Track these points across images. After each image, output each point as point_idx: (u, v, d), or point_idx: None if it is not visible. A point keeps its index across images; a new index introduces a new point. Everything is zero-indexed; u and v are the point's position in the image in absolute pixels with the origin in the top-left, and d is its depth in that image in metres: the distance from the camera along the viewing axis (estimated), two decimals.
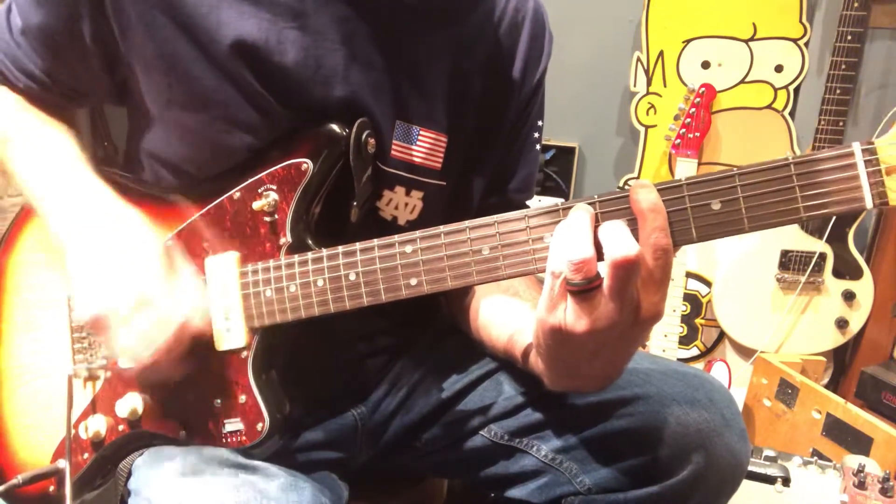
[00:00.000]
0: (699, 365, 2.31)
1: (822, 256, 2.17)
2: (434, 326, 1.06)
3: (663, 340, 2.13)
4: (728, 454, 0.82)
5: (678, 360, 2.20)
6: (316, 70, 0.81)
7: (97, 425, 0.82)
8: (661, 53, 2.30)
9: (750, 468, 1.39)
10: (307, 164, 0.79)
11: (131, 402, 0.81)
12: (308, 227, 0.79)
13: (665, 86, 2.31)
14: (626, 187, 0.63)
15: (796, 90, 2.25)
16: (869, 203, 0.58)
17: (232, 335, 0.78)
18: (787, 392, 1.95)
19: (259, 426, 0.77)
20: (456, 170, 0.93)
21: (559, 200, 0.65)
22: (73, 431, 0.83)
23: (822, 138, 2.09)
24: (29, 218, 0.91)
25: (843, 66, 2.06)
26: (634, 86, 2.34)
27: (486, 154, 0.97)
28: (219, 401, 0.79)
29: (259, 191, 0.80)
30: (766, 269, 2.21)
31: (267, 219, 0.79)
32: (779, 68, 2.23)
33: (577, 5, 2.38)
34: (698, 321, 2.37)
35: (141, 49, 0.80)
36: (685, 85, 2.26)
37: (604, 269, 0.60)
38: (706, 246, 2.32)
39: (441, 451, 1.00)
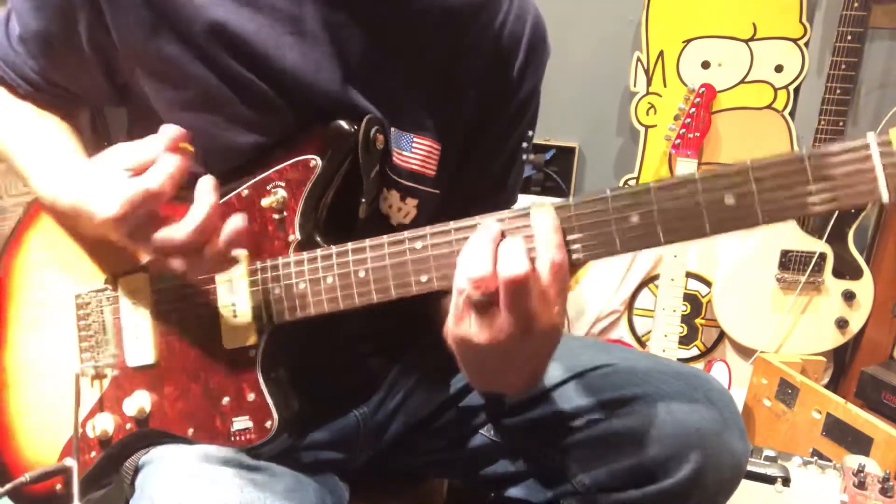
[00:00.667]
0: (699, 365, 2.31)
1: (822, 256, 2.17)
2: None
3: (663, 340, 2.13)
4: (727, 454, 0.82)
5: (678, 360, 2.21)
6: (316, 74, 0.81)
7: (105, 424, 0.82)
8: (661, 53, 2.30)
9: (750, 468, 1.40)
10: (315, 161, 0.79)
11: (139, 401, 0.81)
12: (317, 224, 0.79)
13: (665, 86, 2.32)
14: (627, 187, 0.64)
15: (796, 90, 2.26)
16: (885, 196, 0.57)
17: (240, 333, 0.78)
18: (787, 392, 1.95)
19: (268, 424, 0.77)
20: (449, 178, 0.93)
21: (559, 201, 0.66)
22: (80, 430, 0.82)
23: (821, 138, 2.09)
24: (35, 217, 0.91)
25: (843, 66, 2.06)
26: (634, 86, 2.35)
27: (476, 161, 0.96)
28: (227, 399, 0.79)
29: (268, 188, 0.80)
30: (766, 269, 2.21)
31: (275, 216, 0.79)
32: (779, 68, 2.24)
33: (577, 5, 2.38)
34: (698, 321, 2.37)
35: (141, 52, 0.80)
36: (685, 85, 2.26)
37: None
38: (706, 246, 2.32)
39: (441, 451, 1.00)
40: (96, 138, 2.02)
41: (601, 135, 2.49)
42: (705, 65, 2.28)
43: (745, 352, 2.31)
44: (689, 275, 2.29)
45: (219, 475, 0.76)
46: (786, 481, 1.41)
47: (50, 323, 0.88)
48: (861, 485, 1.38)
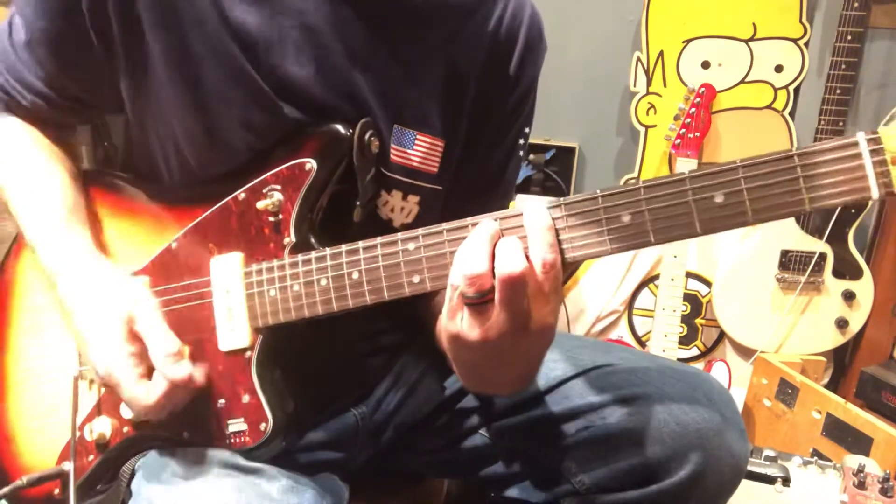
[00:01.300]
0: (699, 365, 2.31)
1: (822, 256, 2.17)
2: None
3: (663, 340, 2.13)
4: (727, 454, 0.83)
5: (678, 360, 2.21)
6: (316, 70, 0.81)
7: (102, 427, 0.82)
8: (661, 53, 2.30)
9: (750, 468, 1.40)
10: (311, 164, 0.79)
11: None
12: (312, 227, 0.80)
13: (665, 86, 2.32)
14: (618, 186, 0.65)
15: (796, 90, 2.25)
16: (875, 193, 0.57)
17: (236, 335, 0.78)
18: (787, 392, 1.95)
19: (262, 426, 0.77)
20: (451, 174, 0.93)
21: (551, 200, 0.67)
22: (78, 433, 0.83)
23: (821, 138, 2.07)
24: None
25: (843, 66, 2.06)
26: (634, 86, 2.34)
27: (476, 155, 0.97)
28: (222, 401, 0.79)
29: (263, 191, 0.80)
30: (766, 270, 2.21)
31: (271, 219, 0.79)
32: (779, 68, 2.24)
33: (577, 5, 2.38)
34: (698, 321, 2.37)
35: (146, 50, 0.80)
36: (685, 85, 2.26)
37: None
38: (706, 246, 2.32)
39: (440, 451, 1.00)
40: (96, 138, 2.03)
41: (601, 135, 2.48)
42: (705, 65, 2.27)
43: (745, 352, 2.31)
44: (689, 275, 2.29)
45: (215, 478, 0.76)
46: (786, 481, 1.41)
47: (49, 327, 0.88)
48: (861, 485, 1.38)
